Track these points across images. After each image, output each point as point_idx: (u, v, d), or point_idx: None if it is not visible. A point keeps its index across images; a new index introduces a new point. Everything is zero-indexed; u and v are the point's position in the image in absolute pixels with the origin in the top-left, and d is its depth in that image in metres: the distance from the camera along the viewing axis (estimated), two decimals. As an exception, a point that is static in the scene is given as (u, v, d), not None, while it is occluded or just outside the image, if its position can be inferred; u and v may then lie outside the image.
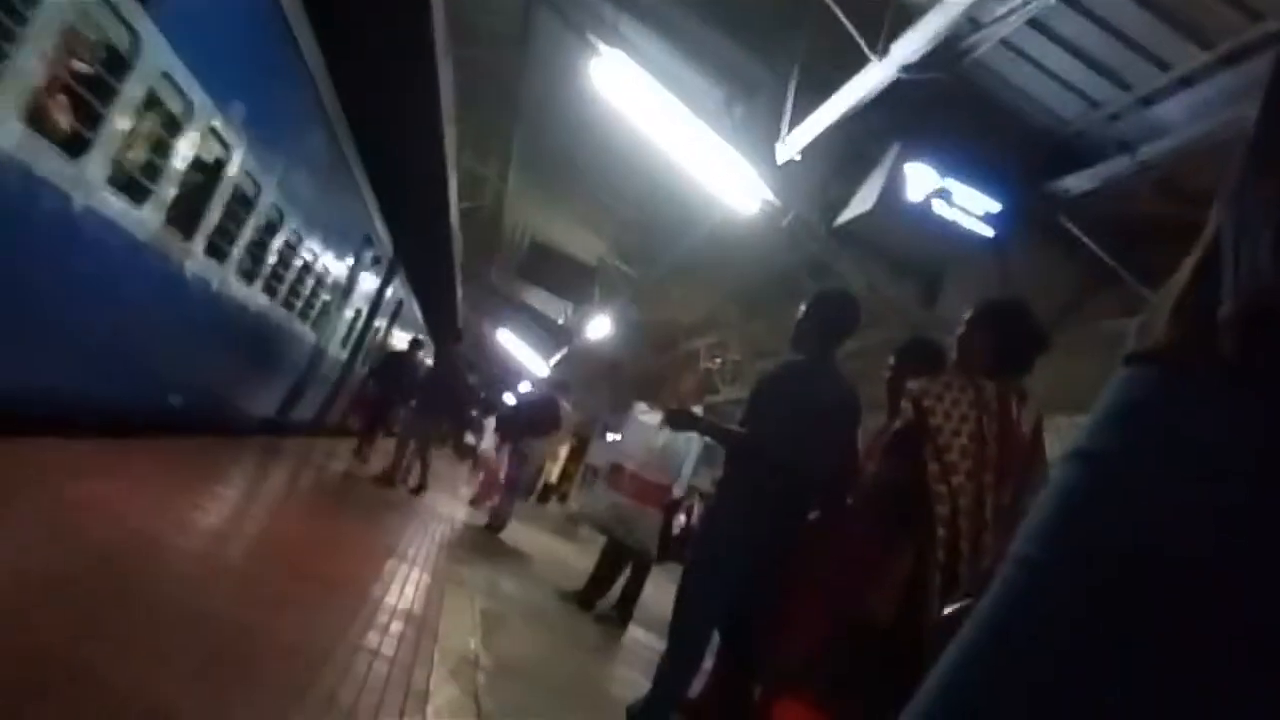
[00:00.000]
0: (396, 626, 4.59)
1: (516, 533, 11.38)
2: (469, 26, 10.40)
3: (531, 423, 11.88)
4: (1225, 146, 5.79)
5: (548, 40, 9.70)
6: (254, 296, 9.75)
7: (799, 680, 3.48)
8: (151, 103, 6.16)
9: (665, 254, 13.16)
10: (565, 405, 12.82)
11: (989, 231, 7.72)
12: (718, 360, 17.69)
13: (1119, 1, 5.86)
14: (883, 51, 6.27)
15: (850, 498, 3.82)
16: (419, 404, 12.38)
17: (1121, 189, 7.26)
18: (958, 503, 3.15)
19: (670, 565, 7.65)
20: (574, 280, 17.74)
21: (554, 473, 24.39)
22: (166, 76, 6.08)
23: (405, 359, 14.42)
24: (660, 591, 8.41)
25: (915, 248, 8.36)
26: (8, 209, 5.01)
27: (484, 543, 10.03)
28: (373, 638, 4.22)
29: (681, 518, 8.62)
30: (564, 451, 22.69)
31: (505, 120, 12.63)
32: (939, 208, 7.64)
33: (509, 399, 30.24)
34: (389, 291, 17.34)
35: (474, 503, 13.86)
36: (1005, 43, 6.71)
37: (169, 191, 6.76)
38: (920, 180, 7.63)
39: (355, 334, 16.03)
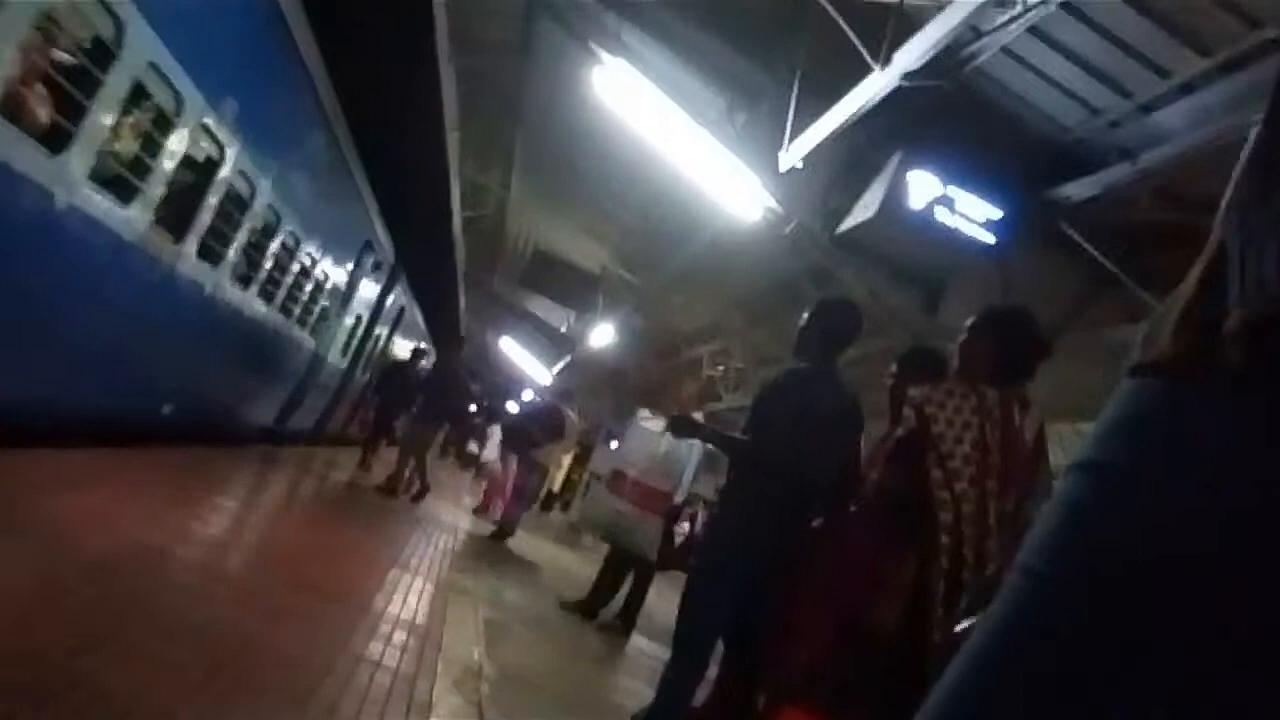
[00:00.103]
0: (399, 637, 4.59)
1: (520, 541, 11.38)
2: (471, 36, 10.44)
3: (539, 431, 11.87)
4: (1225, 153, 5.79)
5: (550, 49, 9.72)
6: (250, 302, 9.45)
7: (803, 689, 3.47)
8: (138, 95, 5.85)
9: (668, 262, 13.18)
10: (571, 414, 12.79)
11: (991, 239, 7.73)
12: (720, 368, 17.70)
13: (1119, 9, 5.87)
14: (884, 60, 6.28)
15: (853, 505, 3.81)
16: (418, 410, 12.36)
17: (1122, 195, 7.28)
18: (961, 510, 3.15)
19: (673, 574, 7.63)
20: (577, 288, 17.73)
21: (557, 481, 24.36)
22: (154, 68, 5.78)
23: (408, 368, 14.41)
24: (664, 600, 8.40)
25: (917, 255, 8.36)
26: None
27: (487, 552, 10.02)
28: (375, 648, 4.21)
29: (685, 525, 8.59)
30: (567, 460, 22.66)
31: (508, 129, 12.66)
32: (941, 215, 7.64)
33: (512, 407, 30.25)
34: (390, 298, 17.09)
35: (478, 512, 13.80)
36: (1006, 50, 6.73)
37: (157, 191, 6.46)
38: (922, 188, 7.64)
39: (356, 341, 15.74)
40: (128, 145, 6.13)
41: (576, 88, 9.02)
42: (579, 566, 10.73)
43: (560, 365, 25.35)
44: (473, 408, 29.73)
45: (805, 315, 4.33)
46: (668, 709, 3.94)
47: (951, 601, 3.09)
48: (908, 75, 6.23)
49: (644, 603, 8.01)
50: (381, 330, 17.53)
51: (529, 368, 29.91)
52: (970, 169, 7.74)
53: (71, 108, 5.13)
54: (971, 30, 6.18)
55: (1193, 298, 0.85)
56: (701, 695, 4.17)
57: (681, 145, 8.06)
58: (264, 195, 8.62)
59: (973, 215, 7.70)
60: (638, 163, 9.95)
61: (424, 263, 20.68)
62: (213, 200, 7.54)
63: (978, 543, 3.13)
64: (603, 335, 17.67)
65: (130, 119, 6.02)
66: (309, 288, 11.50)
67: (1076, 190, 7.47)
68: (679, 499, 8.40)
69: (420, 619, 5.21)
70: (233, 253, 8.37)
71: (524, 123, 12.15)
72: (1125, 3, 5.81)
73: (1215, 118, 6.10)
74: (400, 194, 16.76)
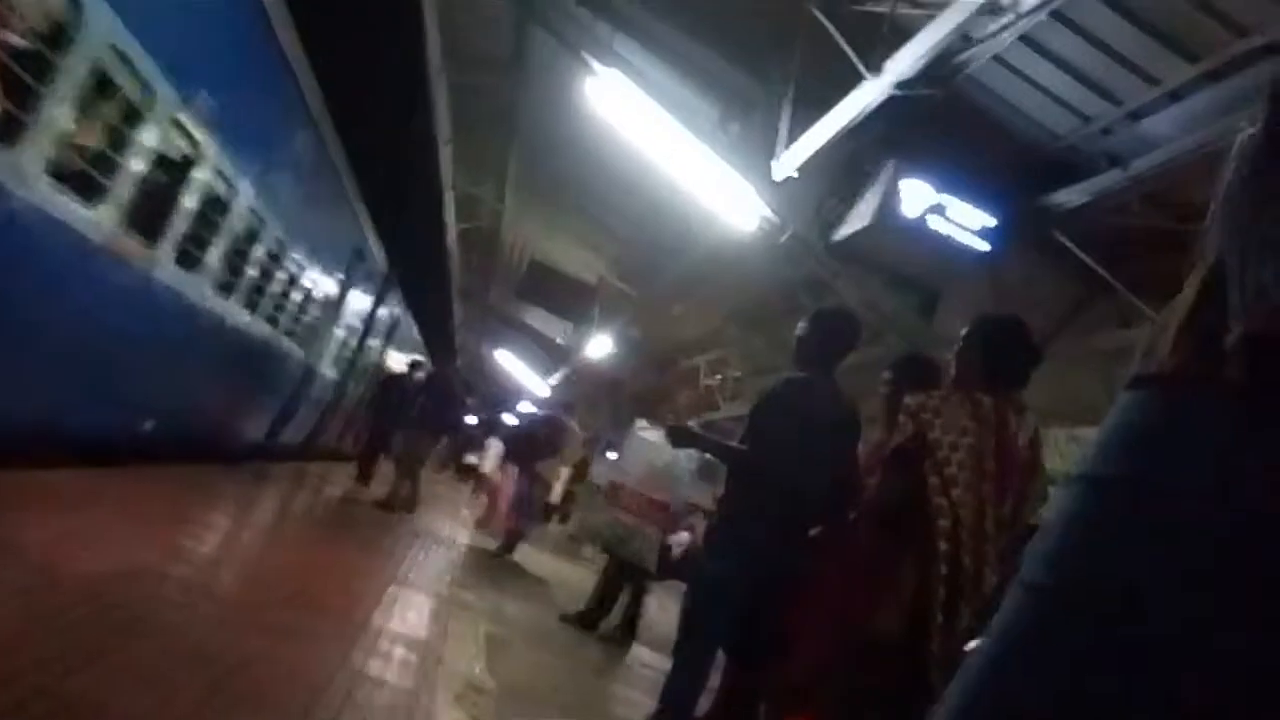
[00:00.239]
0: (400, 652, 4.58)
1: (520, 554, 11.35)
2: (464, 48, 10.46)
3: (541, 443, 11.83)
4: (1214, 159, 5.82)
5: (543, 61, 9.75)
6: (233, 311, 8.94)
7: (804, 697, 3.49)
8: (102, 85, 5.38)
9: (664, 272, 13.19)
10: (574, 427, 12.73)
11: (984, 246, 7.77)
12: (718, 377, 17.71)
13: (1109, 17, 5.92)
14: (877, 68, 6.33)
15: (852, 513, 3.83)
16: (413, 423, 12.30)
17: (1113, 202, 7.33)
18: (959, 515, 3.17)
19: (674, 584, 7.62)
20: (573, 299, 17.73)
21: (556, 493, 24.27)
22: (118, 54, 5.35)
23: (404, 381, 14.36)
24: (664, 611, 8.39)
25: (912, 263, 8.40)
26: None
27: (487, 566, 10.00)
28: (375, 664, 4.20)
29: (685, 535, 8.57)
30: (566, 472, 22.65)
31: (502, 140, 12.68)
32: (935, 223, 7.68)
33: (509, 419, 30.22)
34: (383, 309, 16.66)
35: (479, 525, 13.69)
36: (998, 58, 6.77)
37: (127, 190, 5.97)
38: (916, 196, 7.68)
39: (348, 353, 15.27)
40: (90, 138, 5.66)
41: (570, 99, 9.05)
42: (579, 578, 10.70)
43: (557, 377, 25.35)
44: (470, 420, 29.71)
45: (803, 324, 4.34)
46: (669, 719, 3.95)
47: (950, 608, 3.11)
48: (900, 84, 6.27)
49: (641, 611, 8.01)
50: (374, 342, 17.10)
51: (526, 380, 29.89)
52: (963, 176, 7.78)
53: (23, 94, 4.69)
54: (963, 38, 6.21)
55: (1191, 309, 0.85)
56: (704, 705, 4.18)
57: (676, 156, 8.08)
58: (246, 198, 8.20)
59: (966, 223, 7.74)
60: (632, 174, 9.98)
61: (418, 274, 20.66)
62: (189, 202, 7.10)
63: (976, 548, 3.15)
64: (600, 346, 17.68)
65: (92, 110, 5.53)
66: (297, 297, 11.06)
67: (1068, 197, 7.52)
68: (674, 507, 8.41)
69: (421, 634, 5.20)
70: (213, 259, 7.91)
71: (518, 134, 12.17)
72: (1115, 11, 5.86)
73: (1203, 124, 6.15)
74: (393, 205, 16.71)
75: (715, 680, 4.25)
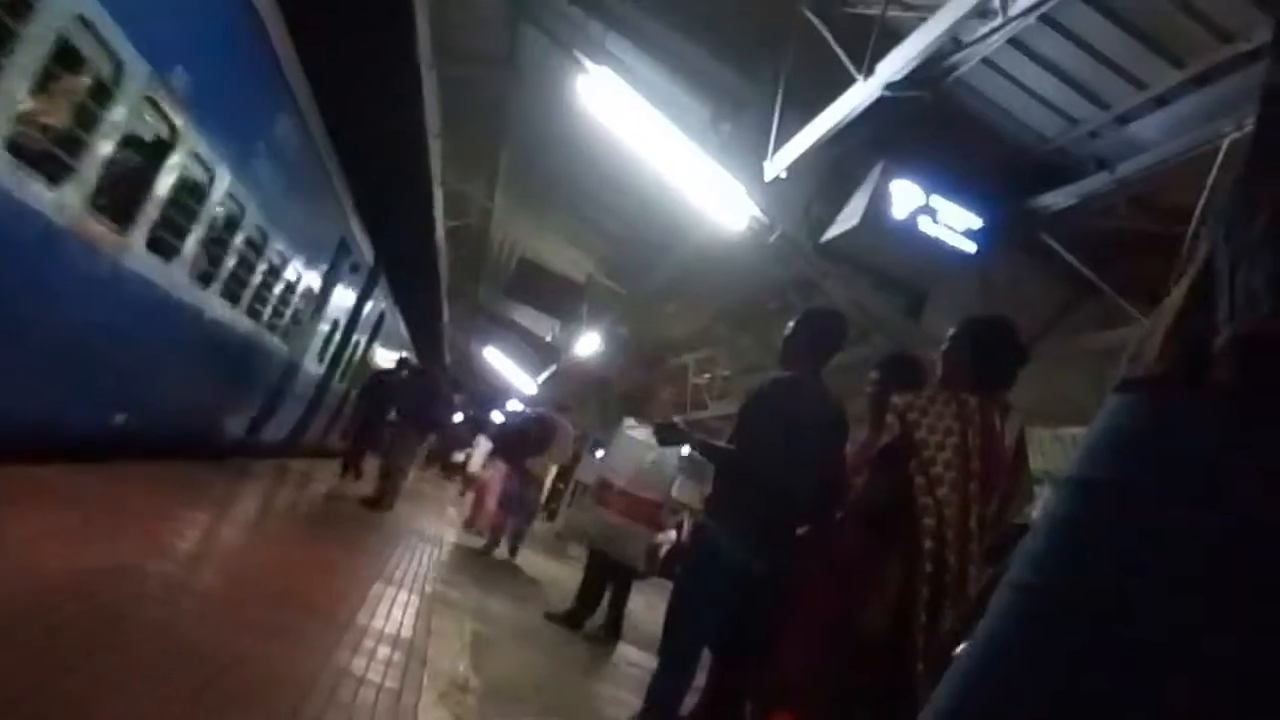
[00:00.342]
0: (384, 651, 4.56)
1: (505, 552, 11.34)
2: (455, 44, 10.44)
3: (532, 441, 11.81)
4: (1199, 162, 5.88)
5: (534, 58, 9.75)
6: (211, 302, 8.62)
7: (791, 696, 3.49)
8: (67, 57, 5.06)
9: (653, 271, 13.19)
10: (567, 426, 12.69)
11: (972, 247, 7.80)
12: (706, 375, 17.73)
13: (1097, 22, 5.95)
14: (868, 70, 6.35)
15: (839, 512, 3.84)
16: (399, 420, 12.22)
17: (1100, 205, 7.37)
18: (943, 514, 3.18)
19: (661, 582, 7.63)
20: (562, 297, 17.70)
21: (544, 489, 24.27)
22: (85, 24, 5.03)
23: (391, 379, 14.32)
24: (651, 609, 8.39)
25: (900, 263, 8.42)
26: None
27: (472, 564, 9.99)
28: (360, 663, 4.18)
29: (672, 534, 8.58)
30: (553, 469, 22.69)
31: (492, 137, 12.66)
32: (923, 224, 7.71)
33: (497, 417, 30.20)
34: (370, 302, 16.32)
35: (468, 525, 13.62)
36: (987, 61, 6.80)
37: (94, 172, 5.61)
38: (905, 197, 7.71)
39: (333, 347, 14.90)
40: (55, 115, 5.31)
41: (561, 97, 9.05)
42: (565, 576, 10.70)
43: (545, 375, 25.32)
44: (458, 417, 29.68)
45: (792, 324, 4.35)
46: (656, 718, 3.95)
47: (935, 606, 3.13)
48: (890, 85, 6.29)
49: (626, 606, 8.01)
50: (360, 336, 16.78)
51: (514, 377, 29.86)
52: (952, 178, 7.81)
53: None
54: (953, 41, 6.24)
55: (1180, 312, 0.85)
56: (690, 703, 4.18)
57: (666, 154, 8.09)
58: (225, 184, 7.81)
59: (954, 224, 7.77)
60: (622, 172, 9.98)
61: (406, 271, 20.56)
62: (163, 187, 6.72)
63: (960, 547, 3.17)
64: (588, 344, 17.67)
65: (57, 85, 5.18)
66: (279, 288, 10.73)
67: (1055, 199, 7.56)
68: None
69: (405, 633, 5.18)
70: (189, 247, 7.54)
71: (508, 131, 12.16)
72: (1103, 16, 5.89)
73: (1189, 129, 6.20)
74: (381, 200, 16.59)
75: (701, 679, 4.26)
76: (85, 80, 5.36)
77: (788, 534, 3.97)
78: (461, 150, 13.46)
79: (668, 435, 4.79)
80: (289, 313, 11.53)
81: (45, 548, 4.16)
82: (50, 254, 5.58)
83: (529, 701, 5.02)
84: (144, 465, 7.68)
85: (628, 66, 8.34)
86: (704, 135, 8.42)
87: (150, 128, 6.41)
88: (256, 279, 9.72)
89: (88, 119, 5.47)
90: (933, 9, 5.68)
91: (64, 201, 5.43)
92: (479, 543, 11.63)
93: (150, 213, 6.66)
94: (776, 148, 7.87)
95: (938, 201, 7.75)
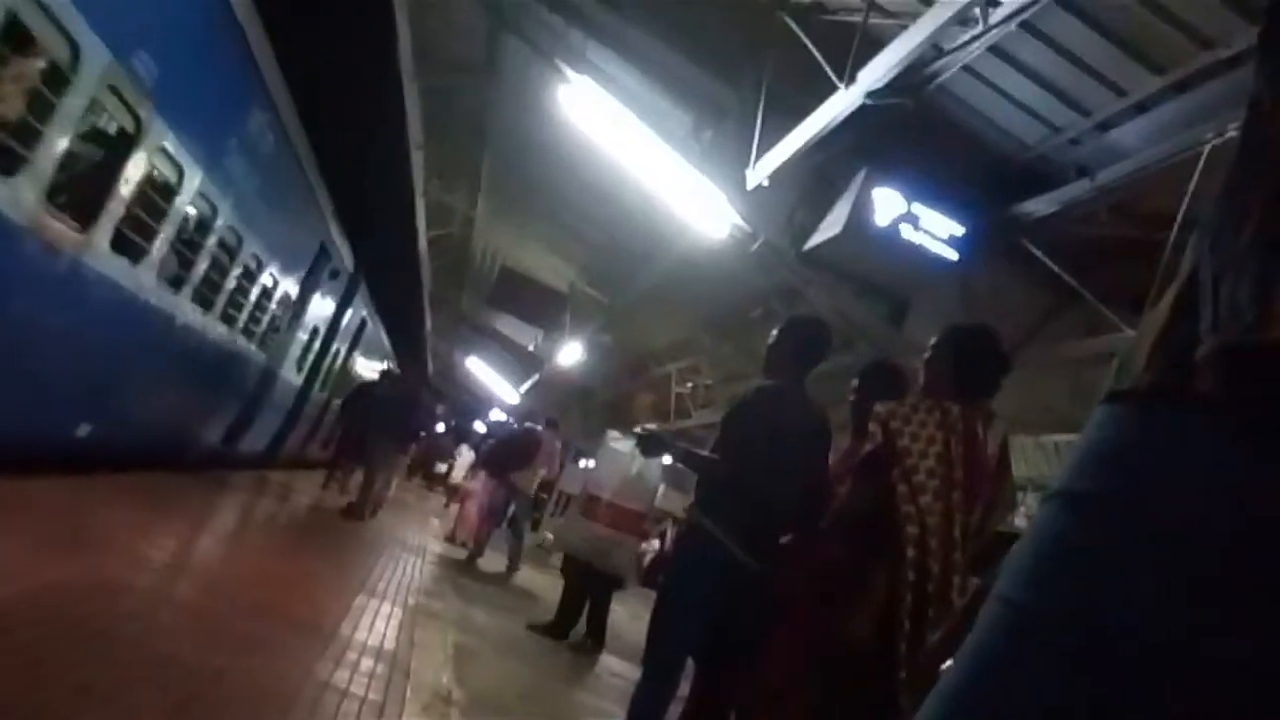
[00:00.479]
0: (367, 663, 4.52)
1: (491, 563, 11.31)
2: (436, 53, 10.43)
3: (518, 454, 11.77)
4: (1179, 169, 5.92)
5: (515, 67, 9.73)
6: (183, 307, 8.21)
7: (774, 705, 3.47)
8: (16, 38, 4.71)
9: (636, 279, 13.20)
10: (554, 440, 12.65)
11: (954, 255, 7.83)
12: (689, 384, 17.74)
13: (1077, 29, 5.98)
14: (849, 78, 6.36)
15: (822, 522, 3.83)
16: (378, 429, 12.12)
17: (1081, 212, 7.41)
18: (926, 523, 3.17)
19: (644, 591, 7.60)
20: (544, 306, 17.69)
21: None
22: (35, 2, 4.68)
23: (374, 391, 14.22)
24: (635, 619, 8.37)
25: (883, 271, 8.44)
26: None
27: (455, 575, 9.94)
28: (342, 676, 4.14)
29: (655, 543, 8.57)
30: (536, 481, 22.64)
31: (473, 146, 12.65)
32: (906, 232, 7.74)
33: (480, 427, 30.14)
34: (350, 310, 15.88)
35: (449, 538, 13.51)
36: (968, 69, 6.82)
37: (49, 164, 5.24)
38: (887, 205, 7.73)
39: (312, 355, 14.56)
40: (4, 104, 4.93)
41: (543, 105, 9.04)
42: (548, 586, 10.67)
43: (528, 384, 25.29)
44: (440, 427, 29.61)
45: (775, 333, 4.34)
46: (639, 729, 3.92)
47: (918, 614, 3.11)
48: (872, 93, 6.30)
49: (608, 614, 7.99)
50: (341, 344, 16.44)
51: (497, 387, 29.82)
52: (933, 186, 7.84)
53: None
54: (934, 49, 6.26)
55: (1165, 324, 0.85)
56: (674, 714, 4.16)
57: (648, 163, 8.09)
58: (195, 182, 7.40)
59: (936, 232, 7.80)
60: (604, 180, 9.98)
61: (389, 280, 20.48)
62: (128, 183, 6.31)
63: (944, 556, 3.16)
64: (571, 354, 17.66)
65: (3, 68, 4.83)
66: (255, 293, 10.33)
67: (1037, 206, 7.59)
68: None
69: (388, 645, 5.14)
70: (158, 248, 7.15)
71: (490, 140, 12.14)
72: (1083, 23, 5.92)
73: (1170, 135, 6.24)
74: (362, 207, 16.52)
75: (686, 689, 4.23)
76: (38, 64, 4.98)
77: (771, 543, 3.95)
78: (444, 159, 13.44)
79: (650, 447, 4.76)
80: (266, 319, 11.17)
81: (13, 563, 4.08)
82: (3, 251, 5.26)
83: (512, 713, 4.99)
84: (114, 478, 7.47)
85: (609, 75, 8.34)
86: (686, 143, 8.43)
87: (112, 120, 6.07)
88: (231, 283, 9.35)
89: (41, 107, 5.07)
90: (914, 16, 5.70)
91: (17, 195, 5.09)
92: (462, 554, 11.59)
93: (114, 210, 6.25)
94: (759, 156, 7.88)
95: (920, 209, 7.77)
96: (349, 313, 15.98)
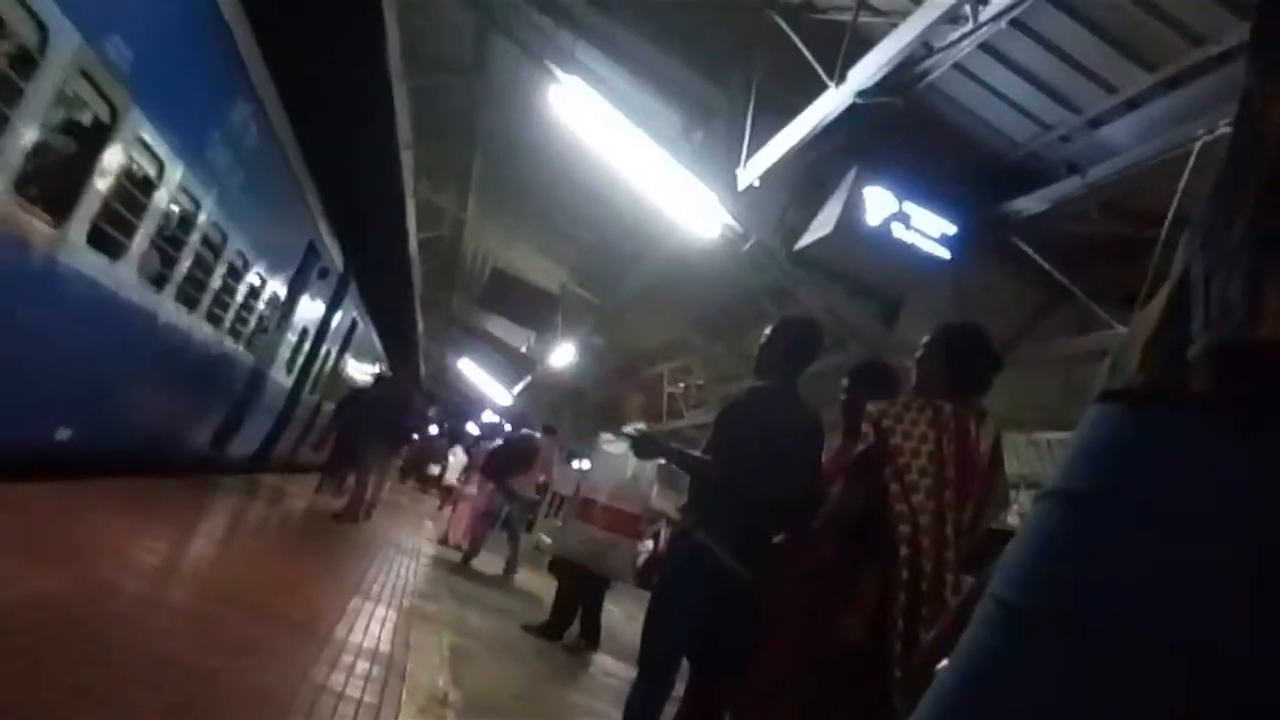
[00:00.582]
0: (362, 666, 4.51)
1: (485, 564, 11.30)
2: (425, 54, 10.41)
3: (518, 460, 11.78)
4: (1170, 166, 5.93)
5: (505, 68, 9.73)
6: (165, 305, 7.89)
7: (768, 705, 3.47)
8: None
9: (627, 280, 13.20)
10: (553, 447, 12.65)
11: (945, 253, 7.84)
12: (681, 385, 17.74)
13: (1068, 26, 5.99)
14: (839, 77, 6.36)
15: (815, 522, 3.83)
16: (368, 430, 12.06)
17: (1072, 209, 7.42)
18: (918, 521, 3.18)
19: (639, 592, 7.59)
20: (536, 308, 17.67)
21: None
22: None
23: (367, 395, 14.15)
24: (630, 619, 8.36)
25: (874, 271, 8.46)
26: None
27: (450, 576, 9.93)
28: (338, 679, 4.13)
29: (649, 543, 8.57)
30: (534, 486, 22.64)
31: (464, 148, 12.64)
32: (897, 231, 7.75)
33: (472, 429, 30.11)
34: (340, 310, 15.54)
35: (443, 541, 13.45)
36: (959, 67, 6.84)
37: (16, 153, 4.99)
38: (878, 204, 7.74)
39: (302, 357, 14.23)
40: None
41: (533, 106, 9.04)
42: (542, 587, 10.66)
43: (520, 386, 25.27)
44: (432, 429, 29.58)
45: (767, 333, 4.34)
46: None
47: (911, 613, 3.12)
48: (862, 92, 6.31)
49: (601, 615, 7.99)
50: (331, 346, 16.10)
51: (489, 389, 29.80)
52: (924, 184, 7.85)
53: None
54: (924, 47, 6.27)
55: (1159, 323, 0.85)
56: (669, 714, 4.16)
57: (639, 163, 8.09)
58: (176, 175, 7.10)
59: (927, 230, 7.81)
60: (595, 182, 9.98)
61: (380, 282, 20.43)
62: (105, 176, 6.03)
63: (936, 554, 3.16)
64: (563, 355, 17.65)
65: None
66: (242, 291, 10.03)
67: (1027, 204, 7.61)
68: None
69: (384, 647, 5.13)
70: (137, 244, 6.84)
71: (480, 142, 12.13)
72: (1074, 20, 5.93)
73: (1160, 132, 6.25)
74: (352, 209, 16.44)
75: (681, 689, 4.23)
76: (1, 46, 4.73)
77: (764, 543, 3.95)
78: (433, 160, 13.42)
79: (645, 449, 4.76)
80: (253, 319, 10.87)
81: (7, 567, 4.06)
82: None
83: (509, 714, 4.98)
84: (103, 483, 7.29)
85: (599, 76, 8.33)
86: (676, 144, 8.43)
87: (85, 107, 5.74)
88: (216, 282, 9.05)
89: (6, 92, 4.81)
90: (904, 14, 5.71)
91: None
92: (456, 556, 11.58)
93: (90, 204, 5.94)
94: (749, 156, 7.89)
95: (911, 207, 7.79)
96: (339, 313, 15.72)
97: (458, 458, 20.69)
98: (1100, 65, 6.27)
